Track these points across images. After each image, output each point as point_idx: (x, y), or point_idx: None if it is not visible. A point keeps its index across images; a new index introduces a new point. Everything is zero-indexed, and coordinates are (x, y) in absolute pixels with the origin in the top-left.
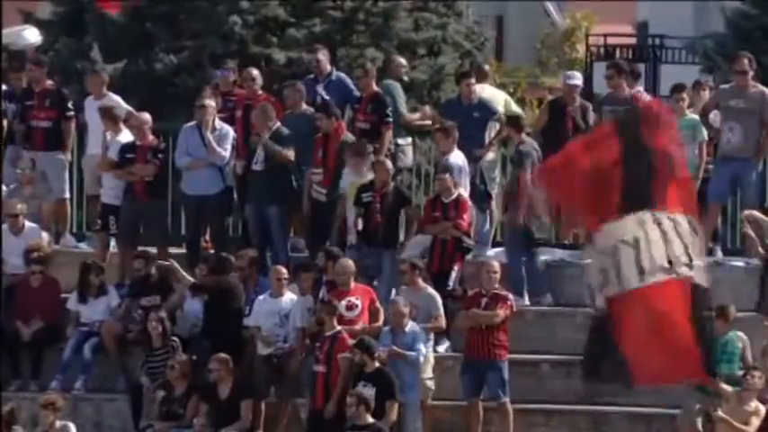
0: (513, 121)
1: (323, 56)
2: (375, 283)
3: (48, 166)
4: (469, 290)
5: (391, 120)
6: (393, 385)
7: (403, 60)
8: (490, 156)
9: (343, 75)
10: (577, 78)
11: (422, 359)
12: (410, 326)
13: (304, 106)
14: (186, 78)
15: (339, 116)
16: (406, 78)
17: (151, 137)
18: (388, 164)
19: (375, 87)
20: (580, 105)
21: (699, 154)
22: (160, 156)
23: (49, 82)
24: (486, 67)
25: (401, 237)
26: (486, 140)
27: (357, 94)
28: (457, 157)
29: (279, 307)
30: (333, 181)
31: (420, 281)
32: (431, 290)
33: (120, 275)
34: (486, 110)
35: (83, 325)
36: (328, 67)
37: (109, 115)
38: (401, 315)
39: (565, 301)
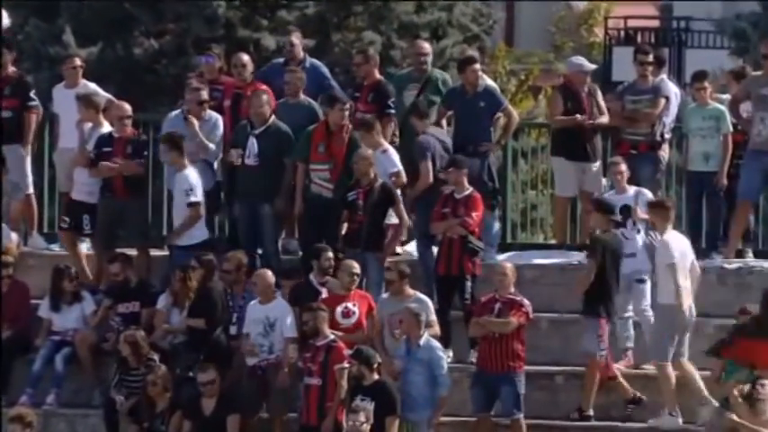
0: (415, 109)
1: (297, 39)
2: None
3: (7, 160)
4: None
5: (393, 111)
6: (394, 400)
7: (427, 46)
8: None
9: (317, 62)
10: (586, 64)
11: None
12: (425, 339)
13: (302, 94)
14: (168, 65)
15: (346, 101)
16: (426, 67)
17: (130, 128)
18: (367, 153)
19: (377, 75)
20: (589, 89)
21: (723, 146)
22: (146, 153)
23: (12, 69)
24: (471, 52)
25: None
26: (493, 132)
27: (333, 83)
28: (391, 154)
29: (264, 315)
30: (341, 176)
31: (407, 287)
32: (420, 295)
33: (94, 280)
34: (493, 99)
35: (54, 334)
36: (302, 53)
37: (87, 103)
38: (413, 325)
39: (580, 308)
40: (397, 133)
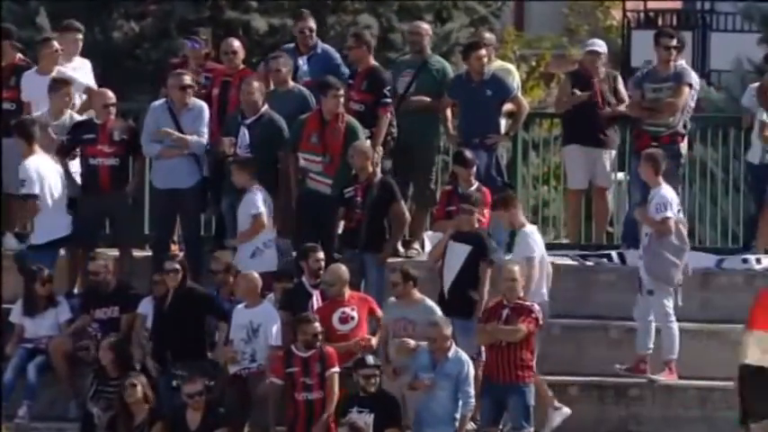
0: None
1: (313, 24)
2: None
3: (6, 154)
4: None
5: (389, 100)
6: (396, 411)
7: (425, 27)
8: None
9: (328, 47)
10: (599, 45)
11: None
12: (453, 351)
13: (291, 83)
14: (150, 49)
15: (340, 87)
16: (421, 50)
17: (114, 115)
18: (364, 146)
19: (372, 61)
20: (607, 75)
21: None
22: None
23: (19, 55)
24: (488, 36)
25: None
26: (502, 123)
27: (345, 69)
28: (257, 197)
29: (248, 320)
30: (340, 169)
31: (415, 291)
32: (429, 301)
33: (69, 283)
34: (501, 87)
35: (27, 341)
36: (314, 38)
37: (62, 88)
38: (444, 338)
39: (596, 312)
40: (395, 123)
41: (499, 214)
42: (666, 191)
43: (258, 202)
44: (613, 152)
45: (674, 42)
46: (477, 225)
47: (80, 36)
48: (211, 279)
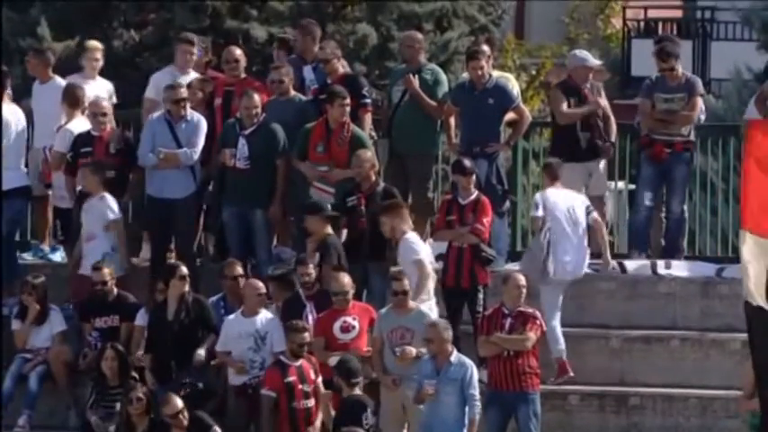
0: None
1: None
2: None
3: None
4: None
5: (369, 101)
6: (358, 418)
7: (419, 37)
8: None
9: None
10: (591, 59)
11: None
12: (456, 356)
13: (292, 91)
14: (150, 58)
15: (345, 95)
16: (414, 59)
17: (109, 126)
18: (367, 154)
19: (341, 68)
20: (591, 86)
21: None
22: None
23: None
24: (485, 48)
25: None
26: (502, 131)
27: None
28: (111, 203)
29: (254, 328)
30: (344, 180)
31: (409, 300)
32: (423, 308)
33: (71, 293)
34: (503, 96)
35: (25, 351)
36: (317, 47)
37: (70, 97)
38: (443, 341)
39: (595, 321)
40: (372, 126)
41: (383, 221)
42: (542, 193)
43: (114, 206)
44: (602, 162)
45: (678, 51)
46: (328, 232)
47: (194, 50)
48: (207, 288)
